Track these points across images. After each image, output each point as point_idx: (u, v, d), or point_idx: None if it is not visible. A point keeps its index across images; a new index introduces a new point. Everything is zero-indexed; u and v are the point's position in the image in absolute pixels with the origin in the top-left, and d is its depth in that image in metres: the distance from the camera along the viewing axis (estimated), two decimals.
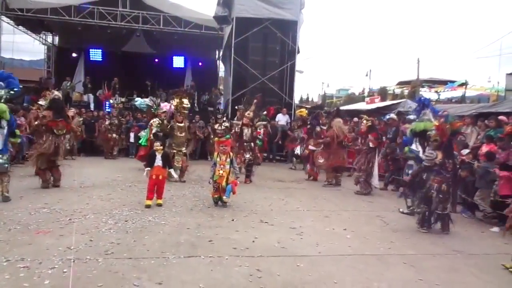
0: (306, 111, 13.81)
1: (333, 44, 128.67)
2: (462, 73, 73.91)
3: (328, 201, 7.82)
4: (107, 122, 13.34)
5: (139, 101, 14.81)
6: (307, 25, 52.73)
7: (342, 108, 21.97)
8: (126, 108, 15.22)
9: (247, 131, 9.49)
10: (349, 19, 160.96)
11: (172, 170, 6.86)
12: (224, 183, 6.71)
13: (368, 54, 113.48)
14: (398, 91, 34.61)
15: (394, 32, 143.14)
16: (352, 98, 39.43)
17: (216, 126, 11.63)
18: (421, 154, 6.62)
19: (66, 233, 4.96)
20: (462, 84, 25.46)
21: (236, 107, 11.38)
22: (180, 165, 8.94)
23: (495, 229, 6.21)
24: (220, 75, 22.49)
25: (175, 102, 9.02)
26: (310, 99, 48.25)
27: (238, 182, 7.04)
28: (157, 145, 6.89)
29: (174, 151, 8.96)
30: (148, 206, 6.40)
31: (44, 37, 20.67)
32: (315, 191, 8.91)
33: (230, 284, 3.76)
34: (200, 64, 20.95)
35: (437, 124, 6.16)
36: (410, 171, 7.26)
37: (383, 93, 33.83)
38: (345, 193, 8.82)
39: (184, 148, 9.12)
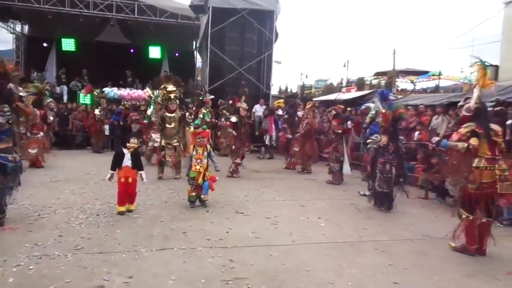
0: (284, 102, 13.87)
1: (311, 35, 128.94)
2: (437, 64, 75.54)
3: (305, 191, 7.88)
4: (98, 112, 13.02)
5: (107, 90, 14.42)
6: (284, 16, 52.55)
7: (320, 98, 22.16)
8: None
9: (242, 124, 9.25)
10: (326, 10, 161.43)
11: (143, 173, 5.84)
12: (201, 180, 6.10)
13: (345, 45, 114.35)
14: (375, 81, 35.02)
15: (371, 23, 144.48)
16: (330, 89, 39.60)
17: (186, 115, 11.46)
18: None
19: (35, 229, 4.83)
20: (435, 75, 25.93)
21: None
22: (170, 161, 8.44)
23: None
24: (197, 66, 22.25)
25: (161, 91, 8.57)
26: (289, 90, 48.33)
27: (217, 178, 6.44)
28: (134, 142, 5.81)
29: (163, 144, 8.50)
30: (121, 213, 5.60)
31: (12, 26, 19.90)
32: (292, 181, 8.96)
33: (202, 275, 3.74)
34: (177, 54, 20.66)
35: (382, 111, 6.53)
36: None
37: (360, 83, 34.16)
38: (321, 182, 8.89)
39: (175, 141, 8.48)
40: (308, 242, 4.78)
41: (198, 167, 6.11)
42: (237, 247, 4.50)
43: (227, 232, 5.04)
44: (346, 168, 8.70)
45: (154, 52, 20.31)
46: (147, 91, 11.20)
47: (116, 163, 5.71)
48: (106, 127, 13.53)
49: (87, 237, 4.61)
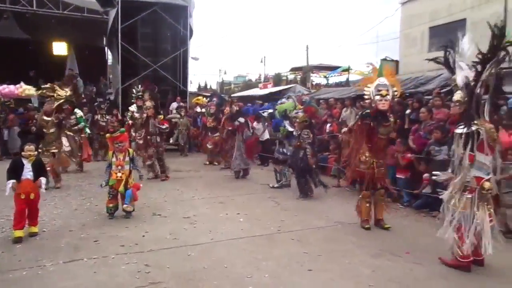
0: (204, 99, 13.76)
1: (228, 31, 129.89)
2: (347, 59, 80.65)
3: (224, 187, 7.89)
4: None
5: None
6: (199, 11, 52.01)
7: (238, 94, 22.43)
8: None
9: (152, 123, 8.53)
10: (241, 6, 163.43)
11: (43, 179, 4.86)
12: (122, 188, 5.54)
13: (262, 41, 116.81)
14: (291, 77, 36.25)
15: (285, 19, 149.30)
16: (249, 85, 40.25)
17: (98, 118, 10.80)
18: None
19: None
20: (345, 70, 27.64)
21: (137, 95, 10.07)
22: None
23: None
24: (109, 63, 21.08)
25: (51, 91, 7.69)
26: (208, 87, 48.11)
27: (141, 185, 5.95)
28: (30, 149, 4.77)
29: (40, 151, 7.14)
30: (18, 240, 4.52)
31: None
32: (212, 178, 8.92)
33: (115, 284, 3.55)
34: (86, 52, 19.32)
35: (304, 107, 7.09)
36: (283, 149, 7.90)
37: (277, 79, 35.15)
38: (240, 178, 8.95)
39: (54, 148, 7.54)
40: (227, 239, 4.79)
41: (119, 174, 5.58)
42: (153, 251, 4.35)
43: (143, 236, 4.85)
44: (237, 162, 8.73)
45: (59, 48, 18.76)
46: (21, 86, 10.06)
47: (13, 176, 4.66)
48: (6, 132, 12.18)
49: None
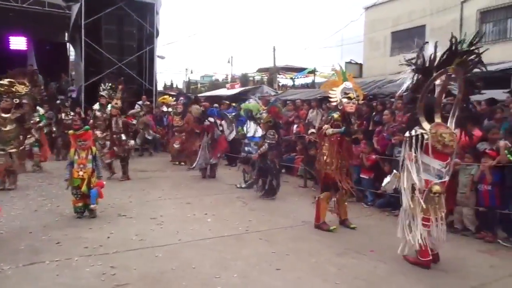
0: (170, 98, 13.58)
1: (195, 29, 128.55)
2: (313, 61, 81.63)
3: (191, 188, 7.83)
4: None
5: None
6: (167, 9, 51.25)
7: (205, 94, 22.31)
8: None
9: (115, 122, 8.25)
10: (209, 5, 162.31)
11: None
12: (85, 188, 5.40)
13: (229, 40, 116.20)
14: (258, 77, 36.38)
15: (252, 20, 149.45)
16: (216, 85, 40.00)
17: (63, 116, 10.43)
18: (251, 132, 7.75)
19: None
20: (311, 72, 28.09)
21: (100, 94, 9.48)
22: None
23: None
24: (71, 59, 20.33)
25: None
26: (174, 86, 47.43)
27: (104, 182, 5.84)
28: None
29: None
30: None
31: None
32: (178, 178, 8.82)
33: (79, 287, 3.45)
34: (47, 47, 18.54)
35: (268, 107, 7.13)
36: (247, 148, 7.78)
37: (244, 79, 35.21)
38: (207, 178, 8.89)
39: (11, 147, 7.12)
40: (195, 239, 4.77)
41: (81, 173, 5.44)
42: (119, 252, 4.26)
43: (108, 237, 4.74)
44: (199, 162, 8.68)
45: (17, 43, 17.92)
46: None
47: None
48: None
49: None
